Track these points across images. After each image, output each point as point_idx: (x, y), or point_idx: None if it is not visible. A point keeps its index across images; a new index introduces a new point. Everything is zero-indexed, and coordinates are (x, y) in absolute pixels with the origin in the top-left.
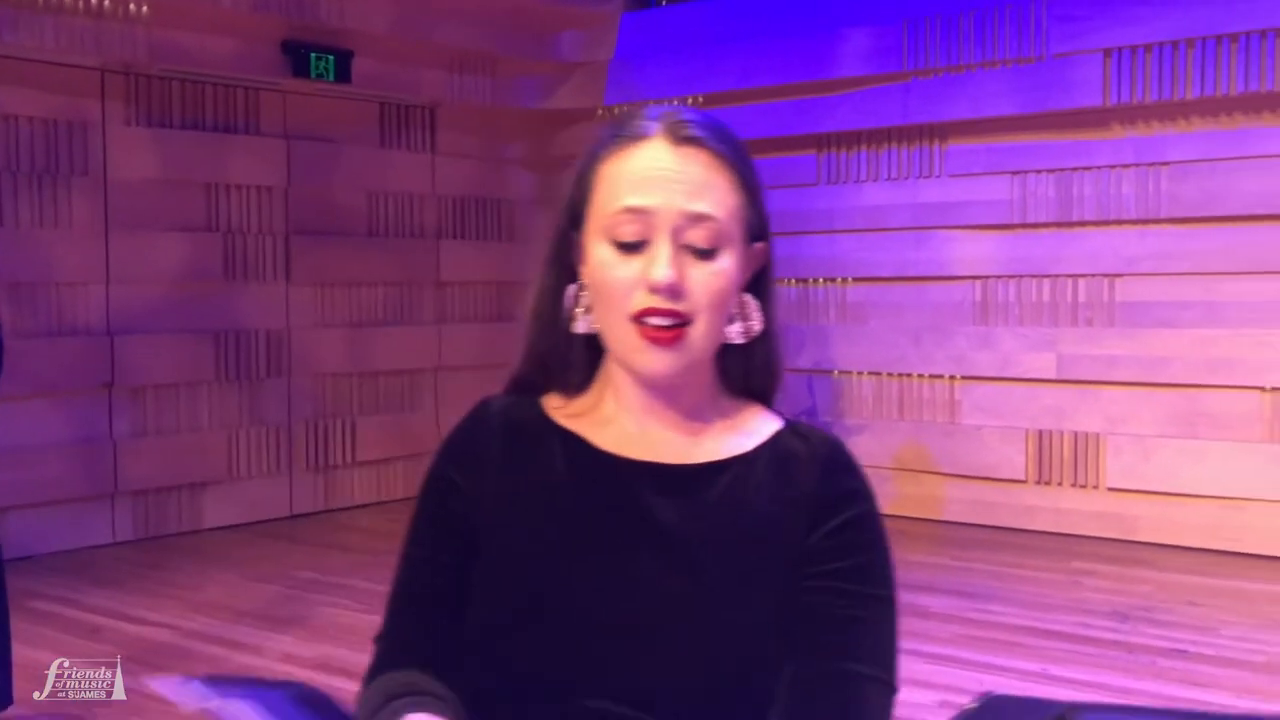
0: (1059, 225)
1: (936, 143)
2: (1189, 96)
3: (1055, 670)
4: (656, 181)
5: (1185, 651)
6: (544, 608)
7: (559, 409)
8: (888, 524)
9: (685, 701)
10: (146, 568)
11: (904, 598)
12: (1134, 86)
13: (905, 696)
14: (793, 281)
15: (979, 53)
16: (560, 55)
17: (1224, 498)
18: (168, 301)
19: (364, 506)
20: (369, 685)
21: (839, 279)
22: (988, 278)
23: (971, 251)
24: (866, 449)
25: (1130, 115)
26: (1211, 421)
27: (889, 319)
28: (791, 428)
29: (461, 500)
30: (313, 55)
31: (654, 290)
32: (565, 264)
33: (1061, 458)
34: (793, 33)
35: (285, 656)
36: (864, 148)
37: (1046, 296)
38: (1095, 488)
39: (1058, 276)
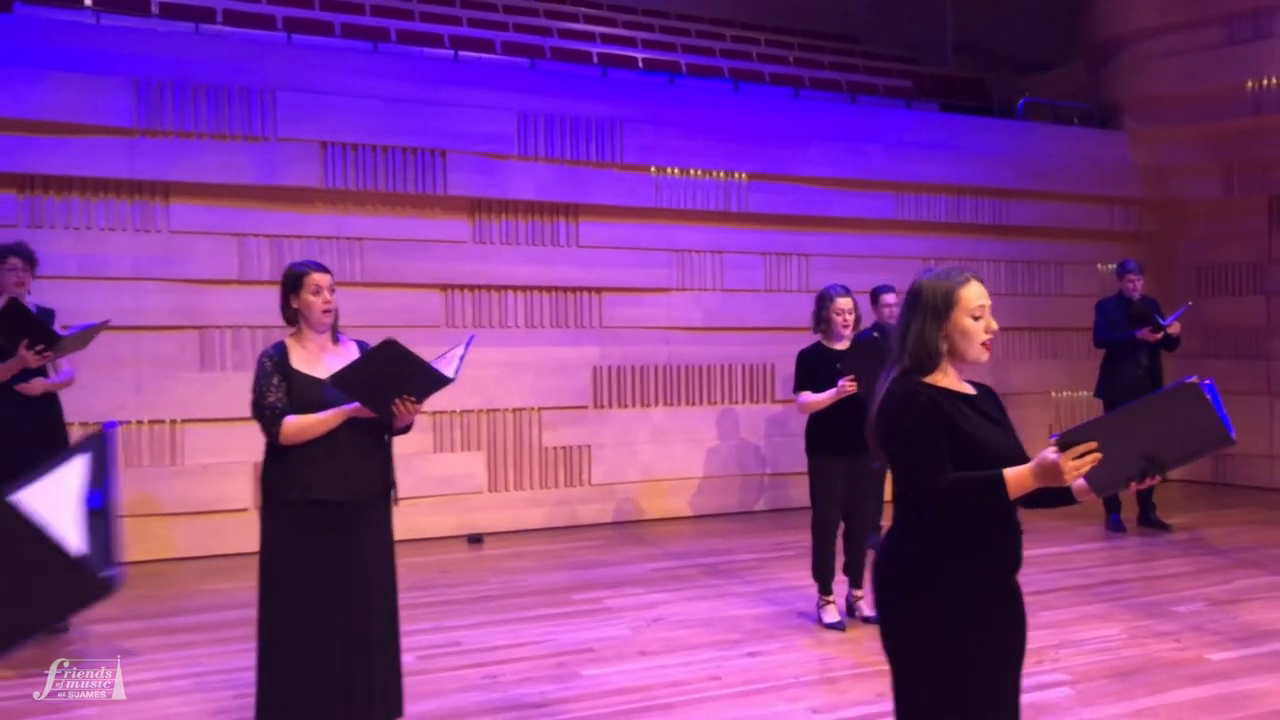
0: (273, 283)
1: (159, 199)
2: (380, 189)
3: None
4: (984, 295)
5: None
6: (988, 460)
7: (930, 383)
8: None
9: None
10: None
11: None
12: (343, 174)
13: None
14: None
15: (212, 124)
16: None
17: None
18: None
19: None
20: (953, 485)
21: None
22: (206, 328)
23: (192, 303)
24: None
25: (333, 198)
26: None
27: (105, 368)
28: None
29: (940, 421)
30: None
31: (990, 330)
32: (940, 327)
33: None
34: None
35: None
36: (77, 195)
37: (261, 345)
38: None
39: (271, 328)
